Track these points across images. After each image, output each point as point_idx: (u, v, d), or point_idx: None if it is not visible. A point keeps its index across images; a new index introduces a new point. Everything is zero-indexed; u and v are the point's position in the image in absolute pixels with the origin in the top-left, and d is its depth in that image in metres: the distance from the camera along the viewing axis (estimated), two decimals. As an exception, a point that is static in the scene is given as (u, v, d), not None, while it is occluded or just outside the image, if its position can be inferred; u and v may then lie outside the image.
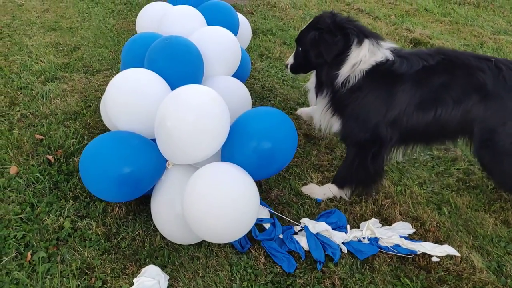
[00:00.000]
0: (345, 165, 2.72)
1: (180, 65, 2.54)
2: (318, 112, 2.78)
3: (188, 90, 2.18)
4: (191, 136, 2.10)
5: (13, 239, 2.32)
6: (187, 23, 3.02)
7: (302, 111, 3.48)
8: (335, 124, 2.66)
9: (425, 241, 2.45)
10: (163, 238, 2.40)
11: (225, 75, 2.96)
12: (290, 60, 2.85)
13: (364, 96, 2.50)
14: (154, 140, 2.31)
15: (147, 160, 2.24)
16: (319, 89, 2.68)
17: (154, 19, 3.21)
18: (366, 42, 2.48)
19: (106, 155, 2.18)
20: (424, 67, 2.42)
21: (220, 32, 2.95)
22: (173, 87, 2.39)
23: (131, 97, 2.31)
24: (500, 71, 2.35)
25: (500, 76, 2.35)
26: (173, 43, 2.59)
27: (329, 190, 2.74)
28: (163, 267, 2.24)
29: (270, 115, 2.36)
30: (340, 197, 2.76)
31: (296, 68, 2.85)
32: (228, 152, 2.28)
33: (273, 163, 2.32)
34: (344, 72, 2.49)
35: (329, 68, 2.56)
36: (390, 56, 2.48)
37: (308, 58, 2.66)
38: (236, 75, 3.07)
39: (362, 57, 2.46)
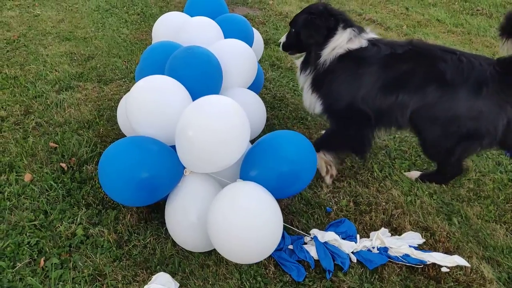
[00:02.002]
0: (327, 135, 3.09)
1: (200, 75, 2.57)
2: (304, 91, 3.07)
3: (210, 100, 2.21)
4: (212, 147, 2.12)
5: (27, 245, 2.36)
6: (206, 34, 3.05)
7: None
8: (315, 102, 2.96)
9: (435, 251, 2.44)
10: (174, 245, 2.43)
11: (241, 87, 3.01)
12: (283, 39, 3.18)
13: (336, 77, 2.82)
14: (172, 146, 2.34)
15: (166, 166, 2.27)
16: (303, 67, 3.02)
17: (171, 29, 3.25)
18: (348, 31, 2.81)
19: (126, 159, 2.21)
20: (391, 53, 2.70)
21: (239, 45, 3.00)
22: (192, 96, 2.44)
23: (154, 103, 2.34)
24: (460, 63, 2.56)
25: (459, 68, 2.56)
26: (195, 52, 2.63)
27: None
28: (173, 274, 2.26)
29: (297, 140, 2.40)
30: (348, 206, 2.78)
31: (287, 47, 3.19)
32: (257, 171, 2.30)
33: (294, 186, 2.39)
34: (325, 54, 2.83)
35: (314, 49, 2.89)
36: (365, 44, 2.77)
37: (299, 38, 3.00)
38: (250, 87, 3.13)
39: (341, 43, 2.79)
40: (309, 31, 2.91)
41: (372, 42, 2.78)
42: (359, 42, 2.78)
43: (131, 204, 2.53)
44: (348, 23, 2.86)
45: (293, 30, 3.06)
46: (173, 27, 3.24)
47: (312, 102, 2.99)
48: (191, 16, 3.31)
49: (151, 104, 2.34)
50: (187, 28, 3.09)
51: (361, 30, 2.87)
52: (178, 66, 2.58)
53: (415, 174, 3.08)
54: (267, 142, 2.39)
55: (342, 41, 2.79)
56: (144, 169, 2.19)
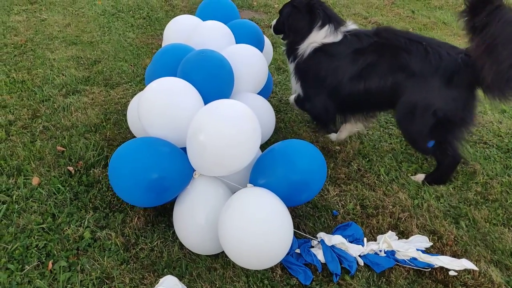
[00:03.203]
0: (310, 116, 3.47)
1: (213, 78, 2.58)
2: (291, 76, 3.39)
3: (223, 105, 2.22)
4: (223, 151, 2.13)
5: (35, 248, 2.37)
6: (218, 38, 3.06)
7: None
8: (297, 87, 3.30)
9: (443, 255, 2.44)
10: (181, 249, 2.43)
11: (252, 92, 3.03)
12: (274, 22, 3.43)
13: (311, 68, 3.11)
14: (182, 148, 2.35)
15: (176, 168, 2.28)
16: (287, 55, 3.32)
17: (183, 32, 3.25)
18: (326, 27, 3.05)
19: (137, 159, 2.21)
20: (357, 48, 2.94)
21: (251, 51, 3.02)
22: (203, 100, 2.46)
23: (167, 105, 2.35)
24: (427, 54, 2.71)
25: (426, 59, 2.71)
26: (209, 56, 2.63)
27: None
28: (180, 277, 2.26)
29: (308, 149, 2.40)
30: (354, 209, 2.78)
31: (276, 31, 3.45)
32: (267, 179, 2.29)
33: (304, 195, 2.39)
34: (304, 46, 3.12)
35: (295, 40, 3.17)
36: (340, 37, 3.03)
37: (284, 27, 3.30)
38: (259, 92, 3.17)
39: (318, 38, 3.06)
40: (291, 24, 3.21)
41: (347, 35, 3.02)
42: (334, 37, 3.04)
43: (140, 204, 2.53)
44: (327, 19, 3.07)
45: (280, 18, 3.32)
46: (185, 30, 3.25)
47: (295, 87, 3.35)
48: (203, 20, 3.32)
49: (163, 106, 2.35)
50: (200, 31, 3.10)
51: (339, 24, 3.09)
52: (191, 69, 2.58)
53: (420, 177, 3.09)
54: (278, 150, 2.40)
55: (319, 37, 3.06)
56: (155, 170, 2.19)
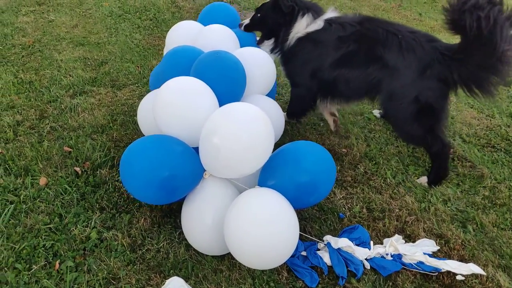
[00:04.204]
0: (290, 103, 3.60)
1: (227, 80, 2.59)
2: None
3: (238, 108, 2.22)
4: (237, 155, 2.13)
5: (42, 248, 2.38)
6: (223, 42, 3.07)
7: None
8: (285, 76, 3.51)
9: (450, 259, 2.42)
10: (187, 250, 2.43)
11: (261, 94, 3.05)
12: (246, 21, 3.48)
13: (296, 56, 3.25)
14: (194, 148, 2.36)
15: (188, 168, 2.28)
16: (273, 49, 3.42)
17: (185, 37, 3.26)
18: (306, 17, 3.18)
19: (149, 156, 2.21)
20: (340, 36, 3.05)
21: (259, 53, 3.05)
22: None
23: (184, 103, 2.36)
24: (400, 47, 2.84)
25: (400, 52, 2.84)
26: (223, 57, 2.64)
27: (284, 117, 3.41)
28: (186, 279, 2.27)
29: (317, 151, 2.41)
30: (361, 212, 2.78)
31: (250, 28, 3.49)
32: (275, 181, 2.30)
33: (312, 197, 2.39)
34: (289, 38, 3.23)
35: (280, 33, 3.30)
36: (321, 25, 3.13)
37: (264, 23, 3.39)
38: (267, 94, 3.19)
39: (300, 29, 3.18)
40: (271, 17, 3.32)
41: (328, 22, 3.14)
42: (316, 25, 3.15)
43: (149, 202, 2.52)
44: (306, 8, 3.22)
45: (258, 15, 3.41)
46: (187, 36, 3.26)
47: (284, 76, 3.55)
48: (205, 25, 3.33)
49: (180, 105, 2.35)
50: (205, 34, 3.12)
51: (319, 11, 3.25)
52: (205, 69, 2.58)
53: (423, 179, 3.10)
54: (286, 152, 2.39)
55: (302, 27, 3.18)
56: (167, 168, 2.19)
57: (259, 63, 2.97)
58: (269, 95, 3.23)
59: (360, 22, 3.07)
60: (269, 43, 3.43)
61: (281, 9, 3.21)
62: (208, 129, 2.20)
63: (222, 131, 2.14)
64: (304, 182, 2.27)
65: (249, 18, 3.49)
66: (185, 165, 2.27)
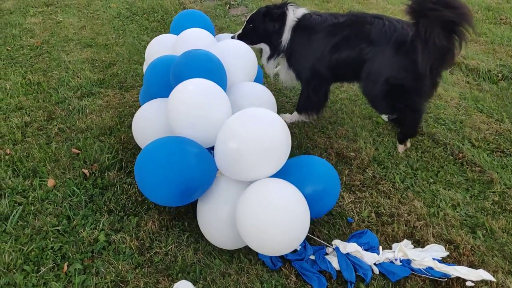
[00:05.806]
0: (301, 97, 3.67)
1: (205, 73, 2.61)
2: (281, 70, 3.69)
3: (255, 114, 2.27)
4: (252, 160, 2.17)
5: (51, 250, 2.39)
6: (202, 41, 3.14)
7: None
8: (286, 71, 3.59)
9: (459, 265, 2.41)
10: (195, 253, 2.43)
11: (248, 81, 3.12)
12: (239, 32, 3.59)
13: (296, 47, 3.39)
14: (208, 148, 2.39)
15: (203, 170, 2.30)
16: (270, 56, 3.53)
17: (164, 49, 3.29)
18: (290, 8, 3.39)
19: (166, 159, 2.22)
20: (335, 22, 3.24)
21: (235, 44, 3.21)
22: None
23: (200, 105, 2.41)
24: (383, 26, 3.03)
25: (382, 29, 3.03)
26: (194, 54, 2.72)
27: (295, 115, 3.74)
28: (195, 282, 2.26)
29: (323, 166, 2.51)
30: (369, 217, 2.75)
31: (242, 38, 3.50)
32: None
33: (320, 207, 2.45)
34: (284, 36, 3.38)
35: (275, 35, 3.42)
36: (306, 12, 3.39)
37: (257, 31, 3.49)
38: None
39: (290, 19, 3.35)
40: (269, 21, 3.43)
41: (310, 14, 3.38)
42: (301, 11, 3.39)
43: (162, 203, 2.49)
44: (288, 4, 3.42)
45: (251, 25, 3.53)
46: (166, 47, 3.30)
47: (291, 76, 3.61)
48: (177, 34, 3.37)
49: (196, 106, 2.40)
50: (185, 37, 3.19)
51: (295, 4, 3.47)
52: (181, 71, 2.64)
53: (401, 147, 3.44)
54: (294, 165, 2.43)
55: (290, 17, 3.36)
56: (184, 171, 2.20)
57: (238, 52, 3.10)
58: (256, 81, 3.32)
59: (350, 12, 3.35)
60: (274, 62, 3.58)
61: (273, 16, 3.38)
62: (225, 133, 2.22)
63: (238, 136, 2.18)
64: (309, 195, 2.30)
65: (241, 29, 3.62)
66: (202, 167, 2.29)
